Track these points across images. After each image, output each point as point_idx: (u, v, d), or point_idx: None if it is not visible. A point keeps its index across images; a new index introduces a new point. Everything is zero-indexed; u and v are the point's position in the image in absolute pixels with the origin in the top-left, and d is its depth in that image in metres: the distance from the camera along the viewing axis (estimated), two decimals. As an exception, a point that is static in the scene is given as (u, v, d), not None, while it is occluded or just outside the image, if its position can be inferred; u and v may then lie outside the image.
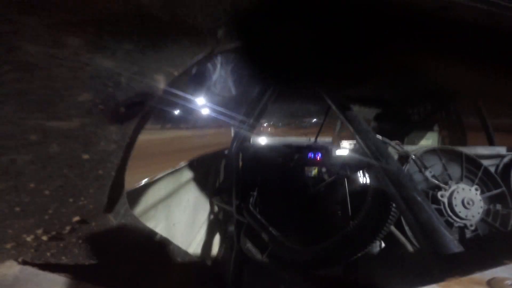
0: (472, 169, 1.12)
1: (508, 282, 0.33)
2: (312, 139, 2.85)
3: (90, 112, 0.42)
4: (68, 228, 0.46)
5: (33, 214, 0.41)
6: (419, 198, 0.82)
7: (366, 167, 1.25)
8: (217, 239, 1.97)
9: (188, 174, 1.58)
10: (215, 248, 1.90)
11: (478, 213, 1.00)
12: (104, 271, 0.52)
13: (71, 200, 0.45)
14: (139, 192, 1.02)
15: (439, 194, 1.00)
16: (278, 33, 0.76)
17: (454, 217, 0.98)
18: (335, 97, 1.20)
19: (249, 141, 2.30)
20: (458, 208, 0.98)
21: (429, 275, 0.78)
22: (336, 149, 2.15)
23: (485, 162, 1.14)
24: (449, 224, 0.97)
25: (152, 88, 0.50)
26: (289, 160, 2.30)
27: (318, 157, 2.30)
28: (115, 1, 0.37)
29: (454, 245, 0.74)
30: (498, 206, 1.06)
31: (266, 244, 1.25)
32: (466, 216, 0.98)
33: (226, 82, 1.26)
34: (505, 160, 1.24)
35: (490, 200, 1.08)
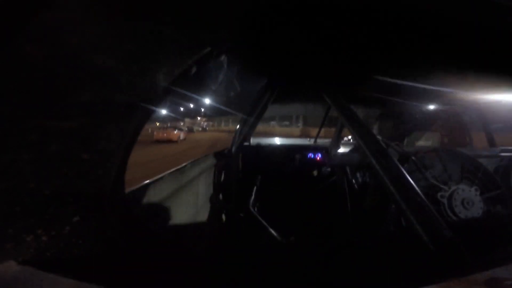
0: (472, 170, 1.12)
1: (508, 282, 0.33)
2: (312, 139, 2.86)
3: (90, 112, 0.42)
4: (68, 228, 0.46)
5: (33, 214, 0.41)
6: (418, 199, 0.82)
7: (366, 168, 1.25)
8: (217, 239, 1.97)
9: (189, 174, 1.58)
10: (215, 248, 1.90)
11: (478, 214, 1.00)
12: (104, 271, 0.52)
13: (71, 200, 0.45)
14: (140, 192, 1.02)
15: (439, 195, 1.00)
16: (279, 32, 0.76)
17: (453, 218, 0.98)
18: (336, 97, 1.20)
19: (249, 141, 2.30)
20: (458, 209, 0.98)
21: (429, 275, 0.78)
22: (336, 150, 2.15)
23: (485, 163, 1.14)
24: (449, 225, 0.97)
25: (152, 88, 0.50)
26: (289, 161, 2.30)
27: (318, 158, 2.31)
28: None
29: (454, 245, 0.75)
30: (498, 207, 1.06)
31: (266, 244, 1.25)
32: (466, 217, 0.98)
33: (228, 81, 1.26)
34: (505, 161, 1.24)
35: (490, 201, 1.08)
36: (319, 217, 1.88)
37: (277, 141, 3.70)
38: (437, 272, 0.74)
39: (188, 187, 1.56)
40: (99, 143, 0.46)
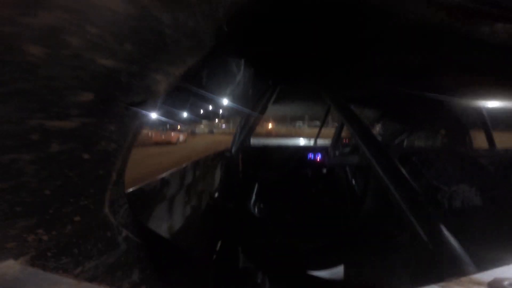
0: (473, 170, 1.12)
1: (508, 282, 0.33)
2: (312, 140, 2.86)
3: (90, 112, 0.42)
4: (68, 228, 0.46)
5: (34, 214, 0.41)
6: (418, 199, 0.82)
7: (366, 168, 1.25)
8: (218, 240, 1.97)
9: (190, 175, 1.58)
10: (216, 248, 1.90)
11: (478, 214, 1.00)
12: (104, 271, 0.52)
13: (71, 200, 0.45)
14: (140, 192, 1.02)
15: (439, 195, 1.00)
16: (279, 32, 0.76)
17: (454, 218, 0.98)
18: (336, 97, 1.20)
19: (250, 141, 2.30)
20: (458, 209, 0.98)
21: (429, 274, 0.78)
22: (336, 150, 2.15)
23: (485, 163, 1.14)
24: (449, 225, 0.97)
25: (152, 88, 0.51)
26: (289, 161, 2.30)
27: (318, 158, 2.31)
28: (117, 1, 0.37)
29: (454, 245, 0.75)
30: (498, 207, 1.06)
31: (266, 243, 1.25)
32: (465, 217, 0.98)
33: (240, 82, 1.27)
34: (505, 161, 1.24)
35: (490, 201, 1.08)
36: (318, 216, 1.88)
37: (277, 141, 3.71)
38: (436, 272, 0.74)
39: (189, 187, 1.56)
40: (99, 144, 0.46)
